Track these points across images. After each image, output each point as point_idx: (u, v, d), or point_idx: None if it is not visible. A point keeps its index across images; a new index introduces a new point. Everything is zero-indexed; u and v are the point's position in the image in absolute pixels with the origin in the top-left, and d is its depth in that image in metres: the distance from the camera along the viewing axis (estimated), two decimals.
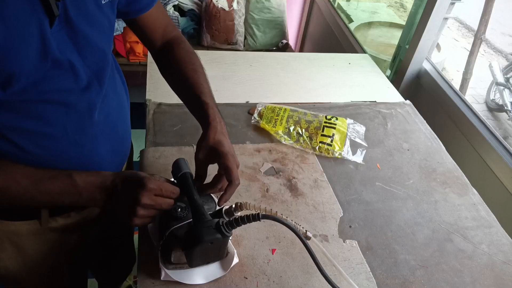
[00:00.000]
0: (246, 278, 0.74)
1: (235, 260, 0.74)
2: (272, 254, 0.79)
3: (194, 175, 0.73)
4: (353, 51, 1.92)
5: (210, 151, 0.72)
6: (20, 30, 0.55)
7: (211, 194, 0.80)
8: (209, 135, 0.73)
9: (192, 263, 0.69)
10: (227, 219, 0.65)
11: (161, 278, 0.69)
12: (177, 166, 0.72)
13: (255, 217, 0.64)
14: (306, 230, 0.75)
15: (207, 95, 0.80)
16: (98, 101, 0.71)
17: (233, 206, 0.69)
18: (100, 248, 1.09)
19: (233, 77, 1.33)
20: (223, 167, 0.70)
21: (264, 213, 0.66)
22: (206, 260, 0.70)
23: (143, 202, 0.63)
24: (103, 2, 0.67)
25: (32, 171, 0.64)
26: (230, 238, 0.69)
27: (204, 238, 0.62)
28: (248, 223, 0.64)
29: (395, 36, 2.02)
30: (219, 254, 0.70)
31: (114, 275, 1.35)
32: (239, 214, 0.68)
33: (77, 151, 0.71)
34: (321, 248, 0.75)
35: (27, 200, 0.65)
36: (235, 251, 0.75)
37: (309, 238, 0.75)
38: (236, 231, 0.81)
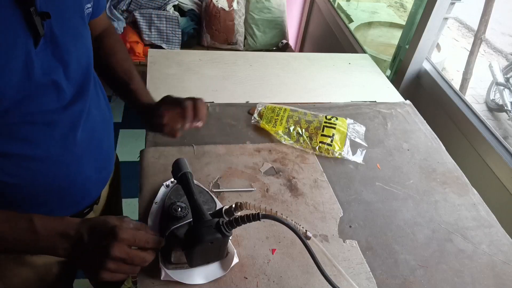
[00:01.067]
0: (246, 278, 0.74)
1: (235, 260, 0.74)
2: (272, 254, 0.79)
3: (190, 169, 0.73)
4: (353, 51, 1.92)
5: (171, 104, 0.77)
6: (4, 52, 0.53)
7: (211, 194, 0.81)
8: (165, 98, 0.78)
9: (192, 263, 0.69)
10: (227, 219, 0.65)
11: (161, 278, 0.69)
12: (177, 166, 0.72)
13: (255, 217, 0.64)
14: (306, 230, 0.75)
15: (138, 83, 0.85)
16: (82, 118, 0.69)
17: (233, 206, 0.70)
18: None
19: (233, 77, 1.33)
20: (186, 103, 0.74)
21: (264, 213, 0.66)
22: (206, 260, 0.71)
23: (114, 254, 0.56)
24: (85, 13, 0.66)
25: None
26: (230, 238, 0.69)
27: (204, 238, 0.62)
28: (248, 223, 0.64)
29: (395, 36, 2.02)
30: (219, 254, 0.70)
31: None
32: (239, 214, 0.68)
33: (62, 171, 0.68)
34: (321, 248, 0.76)
35: None
36: (235, 251, 0.75)
37: (309, 238, 0.75)
38: (236, 231, 0.81)
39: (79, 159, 0.70)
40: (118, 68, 0.84)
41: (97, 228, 0.59)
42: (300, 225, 0.74)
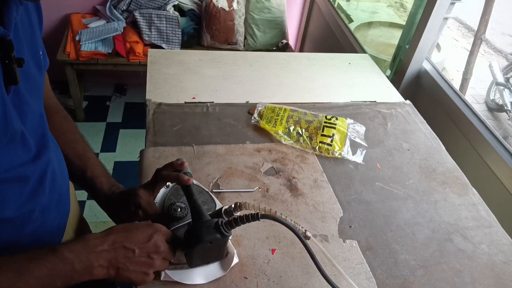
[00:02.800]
0: (246, 278, 0.74)
1: (235, 260, 0.74)
2: (272, 254, 0.79)
3: (191, 174, 0.73)
4: (353, 51, 1.92)
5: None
6: None
7: (211, 194, 0.81)
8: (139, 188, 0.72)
9: (192, 263, 0.69)
10: (226, 219, 0.65)
11: (161, 278, 0.69)
12: None
13: (254, 217, 0.64)
14: (305, 230, 0.75)
15: (94, 167, 0.77)
16: (48, 168, 0.65)
17: (233, 206, 0.69)
18: None
19: (233, 77, 1.33)
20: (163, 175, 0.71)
21: (263, 212, 0.66)
22: (206, 260, 0.71)
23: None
24: (40, 59, 0.63)
25: (6, 261, 0.53)
26: (230, 238, 0.69)
27: (204, 238, 0.62)
28: (247, 223, 0.64)
29: (395, 36, 2.02)
30: (219, 254, 0.70)
31: None
32: (238, 214, 0.68)
33: (29, 228, 0.63)
34: (321, 248, 0.75)
35: None
36: (235, 251, 0.75)
37: (308, 238, 0.75)
38: (236, 231, 0.81)
39: (45, 211, 0.65)
40: (70, 152, 0.75)
41: (142, 241, 0.60)
42: (299, 225, 0.74)
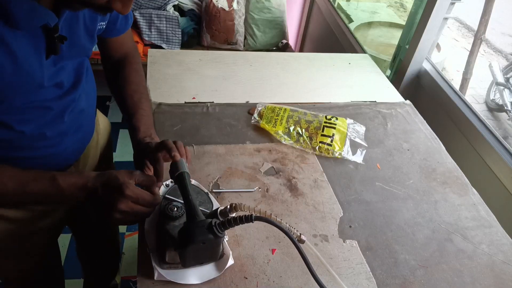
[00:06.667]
0: (246, 278, 0.74)
1: (230, 261, 0.74)
2: (272, 254, 0.79)
3: (190, 174, 0.72)
4: (353, 51, 1.92)
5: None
6: (25, 66, 0.62)
7: (209, 195, 0.80)
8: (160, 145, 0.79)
9: (185, 263, 0.68)
10: (220, 220, 0.65)
11: (155, 278, 0.69)
12: (174, 166, 0.72)
13: (247, 219, 0.63)
14: (300, 234, 0.74)
15: (141, 116, 0.88)
16: (72, 104, 0.78)
17: (228, 207, 0.69)
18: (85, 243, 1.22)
19: (233, 77, 1.33)
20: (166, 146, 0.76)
21: (258, 214, 0.65)
22: (199, 261, 0.70)
23: (120, 208, 0.65)
24: (97, 29, 0.76)
25: (18, 173, 0.67)
26: (226, 239, 0.69)
27: (196, 238, 0.62)
28: (240, 224, 0.64)
29: (395, 36, 2.02)
30: (213, 255, 0.70)
31: (101, 269, 1.41)
32: (233, 215, 0.68)
33: (45, 143, 0.77)
34: (315, 252, 0.74)
35: (13, 201, 0.69)
36: (231, 252, 0.75)
37: (303, 242, 0.74)
38: (236, 231, 0.81)
39: (62, 134, 0.79)
40: (128, 100, 0.90)
41: (109, 183, 0.67)
42: (294, 228, 0.73)
